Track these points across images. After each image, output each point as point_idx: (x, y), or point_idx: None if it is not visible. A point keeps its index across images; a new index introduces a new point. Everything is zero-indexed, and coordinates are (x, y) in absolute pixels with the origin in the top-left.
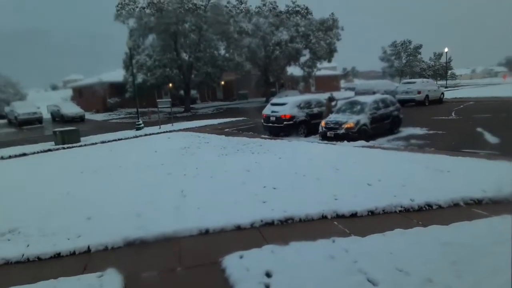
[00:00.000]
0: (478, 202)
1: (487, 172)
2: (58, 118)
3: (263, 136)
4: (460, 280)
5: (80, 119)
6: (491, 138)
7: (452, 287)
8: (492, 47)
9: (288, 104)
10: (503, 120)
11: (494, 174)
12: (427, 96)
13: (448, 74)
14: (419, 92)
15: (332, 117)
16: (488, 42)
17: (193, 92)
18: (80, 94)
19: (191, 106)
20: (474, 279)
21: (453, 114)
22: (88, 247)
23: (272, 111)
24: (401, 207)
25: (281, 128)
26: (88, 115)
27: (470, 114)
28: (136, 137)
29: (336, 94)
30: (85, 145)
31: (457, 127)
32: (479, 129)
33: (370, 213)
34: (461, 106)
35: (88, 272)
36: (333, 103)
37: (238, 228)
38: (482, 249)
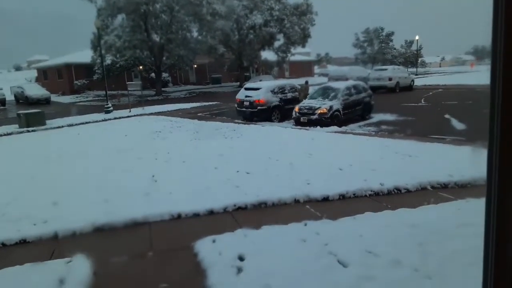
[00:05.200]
0: (444, 186)
1: (453, 157)
2: (22, 100)
3: (236, 120)
4: (426, 261)
5: (45, 101)
6: (457, 125)
7: (418, 267)
8: (461, 37)
9: (262, 89)
10: (469, 107)
11: (459, 159)
12: (397, 83)
13: (419, 61)
14: (390, 79)
15: (306, 102)
16: (457, 31)
17: (165, 75)
18: (45, 76)
19: (163, 89)
20: (439, 260)
21: (422, 101)
22: (55, 232)
23: (246, 96)
24: (371, 191)
25: (255, 113)
26: (54, 97)
27: (438, 101)
28: (105, 120)
29: (309, 80)
30: (51, 128)
31: (426, 113)
32: (446, 116)
33: (341, 197)
34: (430, 93)
35: (56, 258)
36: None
37: (211, 212)
38: (447, 231)
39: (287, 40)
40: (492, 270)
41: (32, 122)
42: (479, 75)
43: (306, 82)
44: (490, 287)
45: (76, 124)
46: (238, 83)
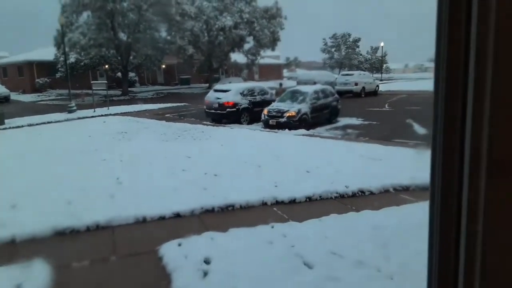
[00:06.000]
0: (406, 189)
1: (414, 160)
2: None
3: (205, 122)
4: (388, 262)
5: (4, 100)
6: (419, 129)
7: (381, 268)
8: (424, 44)
9: (231, 91)
10: (430, 113)
11: (420, 162)
12: (363, 88)
13: (383, 67)
14: (356, 84)
15: (275, 105)
16: (420, 39)
17: (132, 74)
18: (5, 73)
19: (130, 89)
20: (400, 260)
21: (386, 106)
22: (13, 236)
23: (215, 98)
24: (337, 193)
25: (224, 115)
26: (14, 96)
27: (402, 106)
28: (68, 120)
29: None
30: (10, 128)
31: (389, 118)
32: (409, 121)
33: (308, 199)
34: (394, 98)
35: (13, 264)
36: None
37: (178, 215)
38: (409, 232)
39: (256, 43)
40: (436, 271)
41: None
42: None
43: (281, 85)
44: (434, 286)
45: (37, 124)
46: (207, 84)
